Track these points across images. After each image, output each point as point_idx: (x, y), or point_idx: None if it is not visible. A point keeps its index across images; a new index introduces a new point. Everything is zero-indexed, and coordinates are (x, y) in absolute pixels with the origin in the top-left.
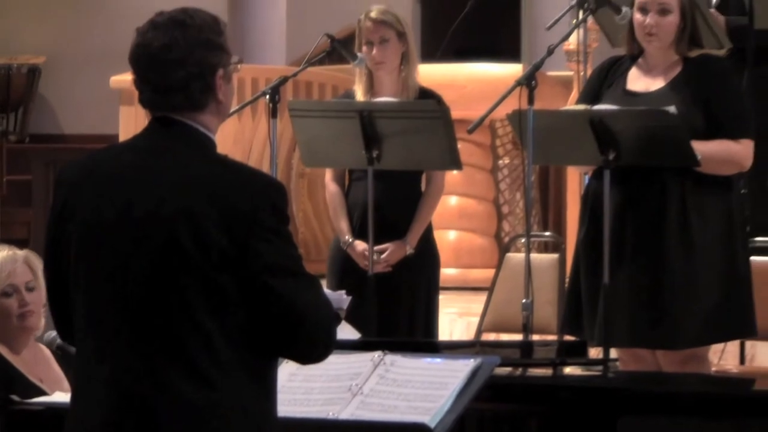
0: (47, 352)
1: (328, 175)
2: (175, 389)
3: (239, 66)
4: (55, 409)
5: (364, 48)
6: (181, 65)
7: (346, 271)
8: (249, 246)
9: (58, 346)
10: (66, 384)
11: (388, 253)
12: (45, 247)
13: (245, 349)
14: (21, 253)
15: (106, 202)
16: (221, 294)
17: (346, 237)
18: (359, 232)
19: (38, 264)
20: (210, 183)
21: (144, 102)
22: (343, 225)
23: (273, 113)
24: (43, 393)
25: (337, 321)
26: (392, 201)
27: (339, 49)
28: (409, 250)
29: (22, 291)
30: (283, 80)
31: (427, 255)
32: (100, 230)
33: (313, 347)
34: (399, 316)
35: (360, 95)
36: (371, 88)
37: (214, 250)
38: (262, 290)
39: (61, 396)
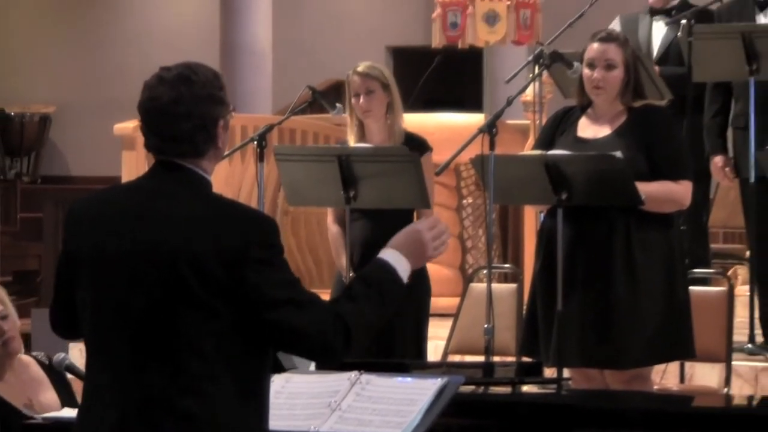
0: (36, 370)
1: (330, 217)
2: (173, 403)
3: (233, 113)
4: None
5: (353, 99)
6: (187, 118)
7: None
8: (244, 277)
9: (67, 366)
10: (52, 396)
11: None
12: (55, 274)
13: (238, 369)
14: None
15: (112, 237)
16: (218, 320)
17: (347, 272)
18: (359, 267)
19: (4, 294)
20: (207, 221)
21: (150, 147)
22: (344, 261)
23: (260, 157)
24: (24, 416)
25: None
26: (387, 237)
27: (319, 100)
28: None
29: None
30: (270, 128)
31: (419, 286)
32: (106, 262)
33: (325, 355)
34: (394, 340)
35: (352, 142)
36: (362, 135)
37: (212, 280)
38: (265, 325)
39: (64, 412)
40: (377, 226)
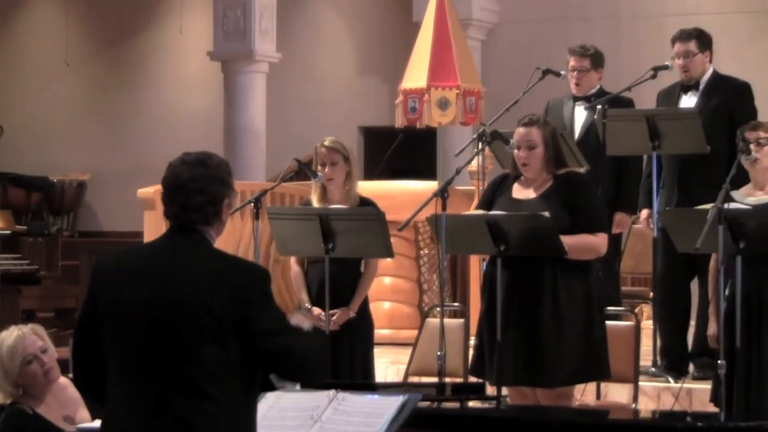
0: (73, 391)
1: (293, 260)
2: (186, 417)
3: (236, 194)
4: None
5: (320, 167)
6: (200, 193)
7: None
8: (247, 315)
9: None
10: (86, 413)
11: (337, 316)
12: (80, 316)
13: (238, 389)
14: (27, 327)
15: (132, 287)
16: (226, 349)
17: (306, 304)
18: (315, 301)
19: (42, 331)
20: (217, 272)
21: (168, 215)
22: (304, 296)
23: (256, 216)
24: (62, 431)
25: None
26: (340, 279)
27: (304, 170)
28: (352, 314)
29: (39, 355)
30: (264, 192)
31: (364, 319)
32: (127, 309)
33: (306, 374)
34: (342, 364)
35: (315, 202)
36: (324, 197)
37: (223, 318)
38: (264, 349)
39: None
40: (334, 269)
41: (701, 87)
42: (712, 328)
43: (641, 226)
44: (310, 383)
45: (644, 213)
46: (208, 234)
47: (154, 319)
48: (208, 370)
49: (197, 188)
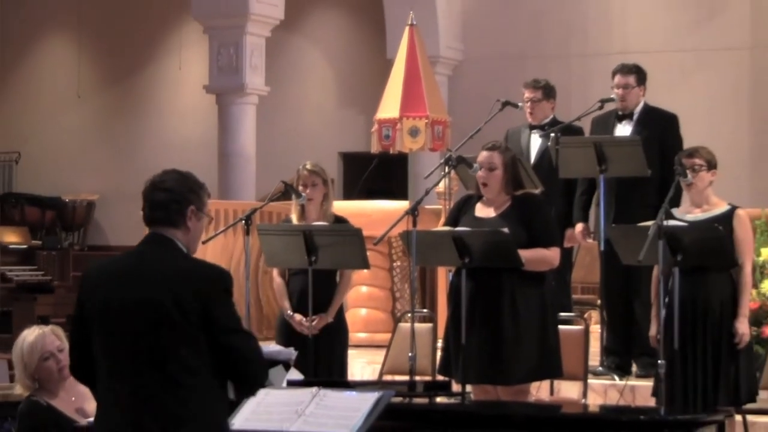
0: (83, 388)
1: (275, 272)
2: (165, 403)
3: (211, 219)
4: None
5: (301, 187)
6: (166, 191)
7: (289, 334)
8: (210, 311)
9: None
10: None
11: (316, 322)
12: (72, 319)
13: (211, 377)
14: (47, 328)
15: (112, 290)
16: (196, 341)
17: (288, 312)
18: (296, 308)
19: (61, 332)
20: (185, 273)
21: (144, 218)
22: (286, 304)
23: (247, 232)
24: (73, 422)
25: (286, 367)
26: (319, 288)
27: (290, 191)
28: (329, 320)
29: (56, 353)
30: (253, 211)
31: (341, 324)
32: (110, 309)
33: (257, 377)
34: (322, 364)
35: (295, 220)
36: (302, 215)
37: (191, 314)
38: (223, 345)
39: None
40: (313, 279)
41: (635, 117)
42: (653, 330)
43: (577, 237)
44: (249, 388)
45: (579, 227)
46: (177, 239)
47: (131, 317)
48: (181, 362)
49: (164, 187)
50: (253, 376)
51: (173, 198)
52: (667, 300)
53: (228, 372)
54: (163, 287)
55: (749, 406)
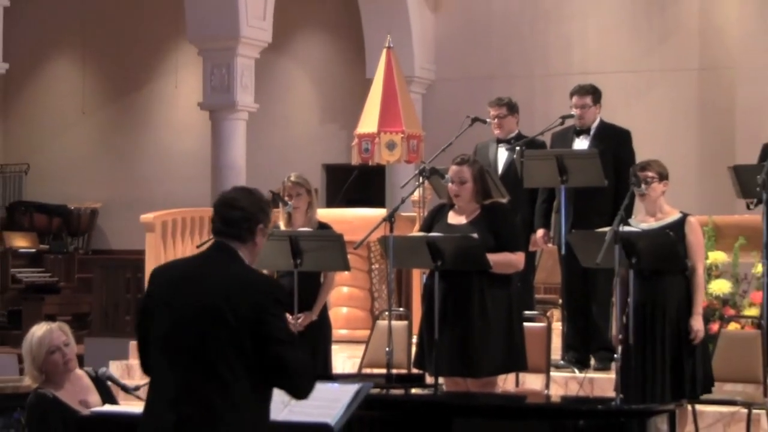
0: (87, 381)
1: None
2: (209, 398)
3: (271, 230)
4: (102, 415)
5: (287, 197)
6: (240, 210)
7: None
8: (262, 320)
9: (107, 377)
10: (97, 398)
11: (302, 319)
12: (137, 314)
13: (256, 382)
14: (54, 324)
15: (177, 291)
16: (245, 347)
17: None
18: None
19: (67, 329)
20: (242, 282)
21: (213, 230)
22: None
23: None
24: (77, 412)
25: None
26: (304, 289)
27: (277, 199)
28: (314, 317)
29: (62, 347)
30: None
31: (324, 321)
32: (170, 308)
33: (300, 388)
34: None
35: (283, 226)
36: (289, 221)
37: (245, 321)
38: (271, 355)
39: (105, 408)
40: (299, 280)
41: (592, 132)
42: (615, 330)
43: (538, 242)
44: (297, 396)
45: (540, 232)
46: (241, 251)
47: (188, 316)
48: (227, 362)
49: (238, 206)
50: (295, 387)
51: (246, 216)
52: (620, 300)
53: (274, 380)
54: (221, 292)
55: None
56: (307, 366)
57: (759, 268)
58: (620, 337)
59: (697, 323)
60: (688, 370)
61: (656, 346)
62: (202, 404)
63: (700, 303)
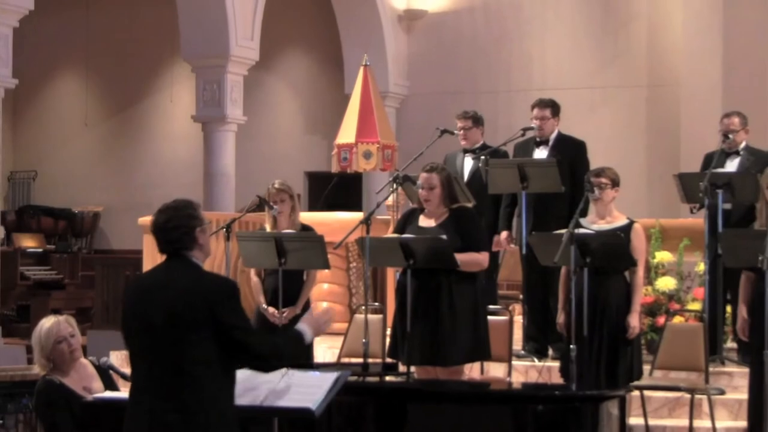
0: (90, 369)
1: (252, 272)
2: (177, 390)
3: (208, 224)
4: (104, 400)
5: (273, 202)
6: (175, 229)
7: (264, 324)
8: (220, 315)
9: (108, 366)
10: (100, 385)
11: (286, 313)
12: (122, 330)
13: (219, 369)
14: (62, 317)
15: (143, 302)
16: (208, 340)
17: (263, 305)
18: (269, 303)
19: (73, 321)
20: (196, 284)
21: (161, 250)
22: (261, 299)
23: (227, 238)
24: (82, 397)
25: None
26: (288, 286)
27: (263, 204)
28: (297, 311)
29: (68, 338)
30: (233, 221)
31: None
32: (137, 315)
33: (266, 363)
34: None
35: (268, 228)
36: (274, 224)
37: (201, 315)
38: (233, 340)
39: (107, 394)
40: (284, 278)
41: (550, 143)
42: (561, 318)
43: (502, 243)
44: (264, 370)
45: (503, 234)
46: (193, 256)
47: (153, 319)
48: (193, 357)
49: (172, 227)
50: (260, 363)
51: (184, 232)
52: (575, 295)
53: (241, 361)
54: (179, 295)
55: (645, 382)
56: (266, 343)
57: (701, 267)
58: (563, 324)
59: (634, 320)
60: (623, 362)
61: (599, 337)
62: (172, 397)
63: (638, 302)
